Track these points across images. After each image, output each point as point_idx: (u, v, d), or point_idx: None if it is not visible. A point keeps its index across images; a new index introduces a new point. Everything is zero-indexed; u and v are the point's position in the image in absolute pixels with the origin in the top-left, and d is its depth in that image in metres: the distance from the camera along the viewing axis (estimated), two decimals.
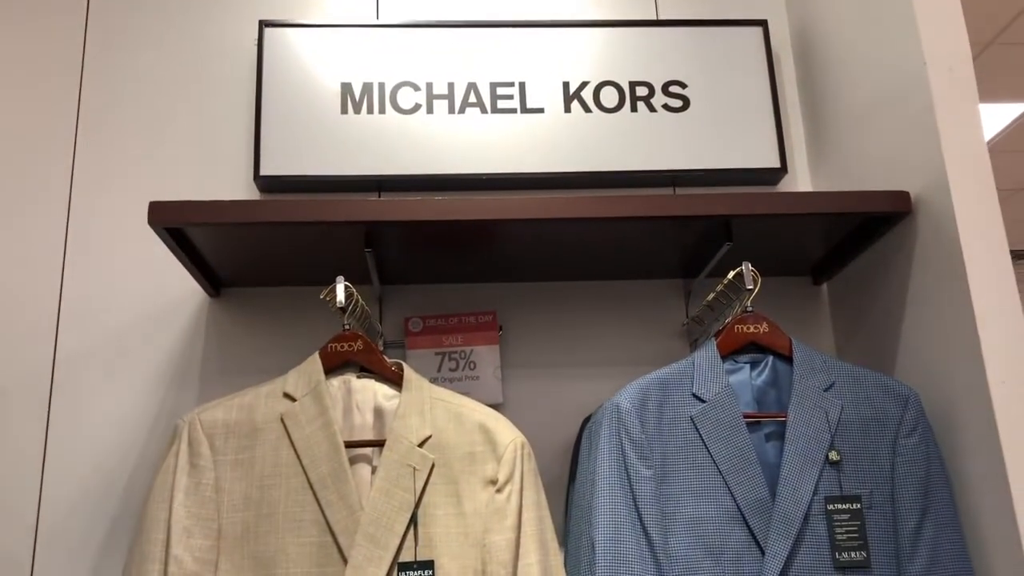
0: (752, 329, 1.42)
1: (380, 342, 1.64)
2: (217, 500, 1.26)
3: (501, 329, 1.72)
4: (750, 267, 1.42)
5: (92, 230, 1.72)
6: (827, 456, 1.31)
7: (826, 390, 1.36)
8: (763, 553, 1.26)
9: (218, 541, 1.24)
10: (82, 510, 1.57)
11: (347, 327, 1.39)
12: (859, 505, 1.29)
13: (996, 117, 3.97)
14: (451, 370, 1.68)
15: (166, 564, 1.20)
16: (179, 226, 1.37)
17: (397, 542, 1.22)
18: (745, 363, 1.41)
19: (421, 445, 1.28)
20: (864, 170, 1.64)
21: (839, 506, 1.29)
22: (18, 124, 1.77)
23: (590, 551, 1.27)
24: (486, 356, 1.69)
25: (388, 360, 1.39)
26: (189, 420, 1.30)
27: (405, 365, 1.37)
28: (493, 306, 1.74)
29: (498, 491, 1.25)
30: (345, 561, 1.21)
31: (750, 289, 1.42)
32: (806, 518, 1.28)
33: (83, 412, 1.62)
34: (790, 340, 1.41)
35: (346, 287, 1.39)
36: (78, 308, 1.68)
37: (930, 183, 1.42)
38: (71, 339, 1.66)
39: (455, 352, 1.69)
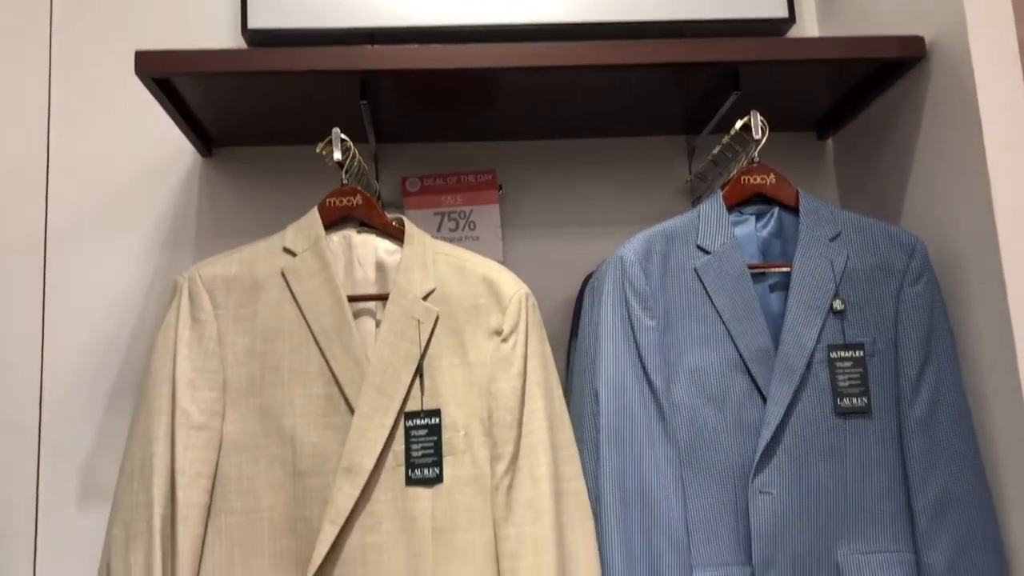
0: (759, 180, 1.39)
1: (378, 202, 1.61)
2: (221, 354, 1.25)
3: (501, 188, 1.69)
4: (758, 116, 1.38)
5: (76, 90, 1.66)
6: (831, 305, 1.31)
7: (832, 240, 1.35)
8: (765, 400, 1.27)
9: (224, 394, 1.24)
10: (85, 372, 1.57)
11: (345, 183, 1.36)
12: (862, 353, 1.30)
13: None
14: (451, 230, 1.66)
15: (173, 416, 1.21)
16: (166, 76, 1.32)
17: (404, 391, 1.23)
18: (751, 214, 1.39)
19: (425, 298, 1.27)
20: (874, 19, 1.58)
21: (842, 354, 1.30)
22: None
23: (593, 402, 1.28)
24: (486, 216, 1.66)
25: (389, 215, 1.36)
26: (189, 275, 1.28)
27: (406, 219, 1.35)
28: (493, 165, 1.70)
29: (503, 341, 1.25)
30: (352, 411, 1.21)
31: (757, 140, 1.39)
32: (808, 366, 1.29)
33: (79, 274, 1.60)
34: (797, 191, 1.38)
35: (343, 140, 1.35)
36: (67, 170, 1.64)
37: (946, 28, 1.37)
38: (62, 201, 1.63)
39: (454, 212, 1.66)
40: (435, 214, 1.66)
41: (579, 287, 1.61)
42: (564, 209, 1.70)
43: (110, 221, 1.63)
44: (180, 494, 1.18)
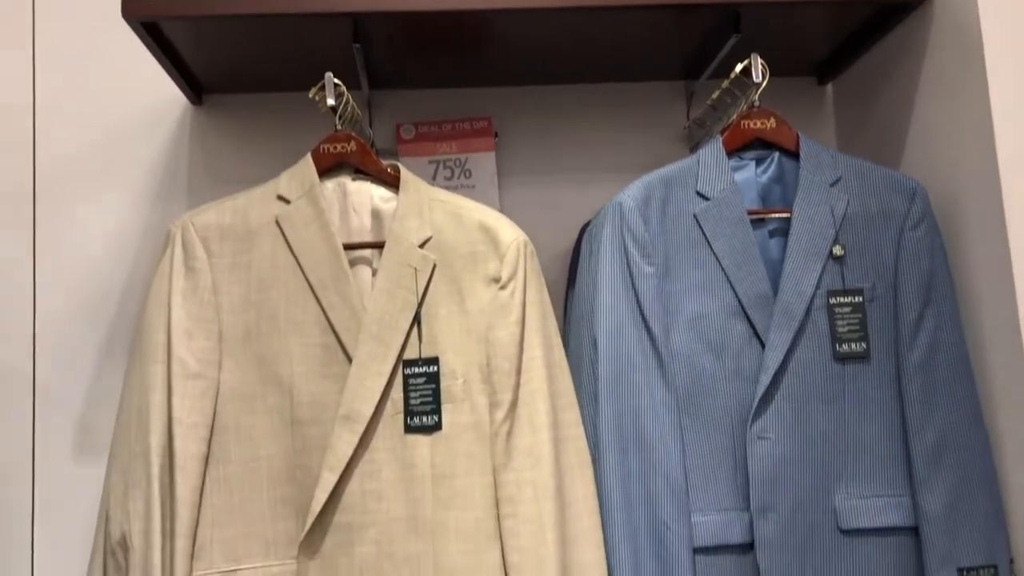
0: (759, 124, 1.37)
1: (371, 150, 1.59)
2: (216, 303, 1.24)
3: (497, 136, 1.66)
4: (759, 59, 1.36)
5: (62, 37, 1.62)
6: (831, 250, 1.30)
7: (832, 185, 1.33)
8: (764, 346, 1.27)
9: (220, 343, 1.23)
10: (79, 321, 1.56)
11: (339, 129, 1.34)
12: (861, 298, 1.29)
13: None
14: (446, 179, 1.64)
15: (169, 366, 1.20)
16: (154, 19, 1.28)
17: (401, 339, 1.22)
18: (751, 160, 1.38)
19: (422, 246, 1.26)
20: None
21: (841, 299, 1.29)
22: None
23: (592, 349, 1.28)
24: (482, 164, 1.64)
25: (384, 162, 1.34)
26: (182, 224, 1.27)
27: (401, 166, 1.33)
28: (488, 112, 1.68)
29: (501, 288, 1.24)
30: (349, 360, 1.21)
31: (758, 83, 1.36)
32: (808, 311, 1.28)
33: (69, 224, 1.58)
34: (797, 135, 1.37)
35: (336, 85, 1.32)
36: (54, 118, 1.61)
37: None
38: (49, 150, 1.60)
39: (450, 160, 1.64)
40: (430, 162, 1.64)
41: (576, 236, 1.59)
42: (561, 156, 1.68)
43: (101, 170, 1.60)
44: (178, 444, 1.17)
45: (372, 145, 1.60)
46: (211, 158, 1.62)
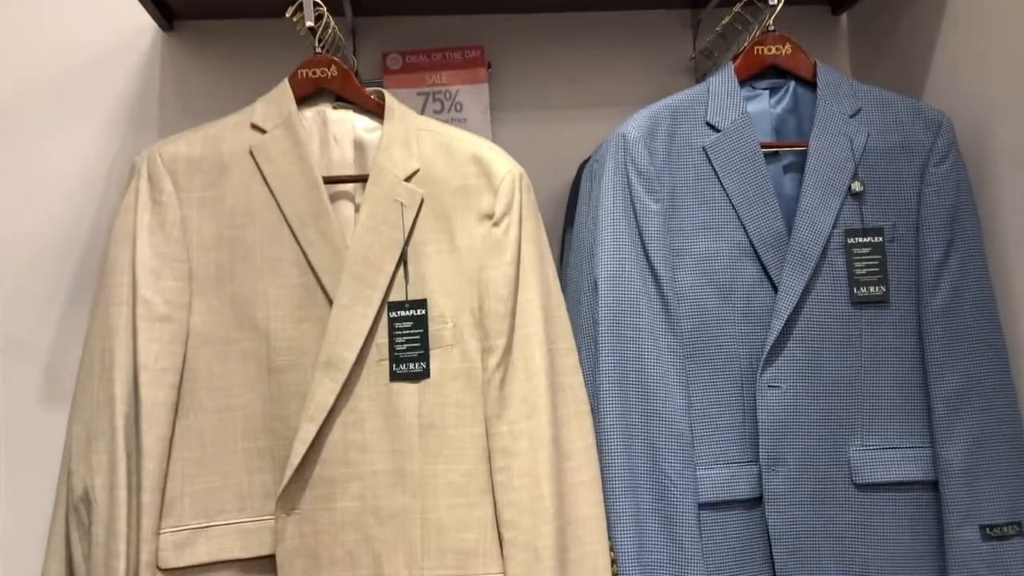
0: (774, 50, 1.27)
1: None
2: (185, 240, 1.15)
3: (490, 66, 1.57)
4: None
5: None
6: (849, 187, 1.22)
7: (852, 116, 1.24)
8: (776, 289, 1.19)
9: (190, 283, 1.14)
10: (43, 263, 1.47)
11: (319, 52, 1.23)
12: (881, 238, 1.21)
13: None
14: (436, 112, 1.54)
15: (134, 307, 1.11)
16: None
17: (386, 281, 1.13)
18: (764, 89, 1.29)
19: (408, 179, 1.16)
20: None
21: (859, 239, 1.21)
22: None
23: (592, 291, 1.20)
24: (474, 96, 1.54)
25: (368, 89, 1.24)
26: (148, 155, 1.17)
27: (387, 93, 1.22)
28: (481, 41, 1.58)
29: (495, 224, 1.14)
30: (330, 302, 1.12)
31: (773, 4, 1.26)
32: (823, 252, 1.20)
33: (31, 161, 1.48)
34: (814, 63, 1.27)
35: (316, 5, 1.21)
36: (14, 45, 1.49)
37: None
38: (9, 79, 1.48)
39: (439, 92, 1.54)
40: (418, 94, 1.54)
41: (575, 174, 1.50)
42: (558, 89, 1.59)
43: (66, 101, 1.50)
44: (143, 391, 1.09)
45: (356, 75, 1.49)
46: (183, 88, 1.52)
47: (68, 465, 1.10)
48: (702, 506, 1.15)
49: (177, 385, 1.12)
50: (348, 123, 1.22)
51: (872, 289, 1.20)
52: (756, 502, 1.18)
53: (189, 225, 1.15)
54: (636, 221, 1.19)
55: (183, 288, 1.14)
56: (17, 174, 1.47)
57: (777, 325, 1.18)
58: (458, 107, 1.54)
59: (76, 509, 1.09)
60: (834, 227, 1.21)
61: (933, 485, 1.18)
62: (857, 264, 1.20)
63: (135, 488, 1.08)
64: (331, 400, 1.10)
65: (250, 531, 1.12)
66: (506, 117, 1.57)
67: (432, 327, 1.13)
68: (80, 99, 1.50)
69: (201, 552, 1.10)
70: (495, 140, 1.54)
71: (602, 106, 1.58)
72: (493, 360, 1.12)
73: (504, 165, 1.16)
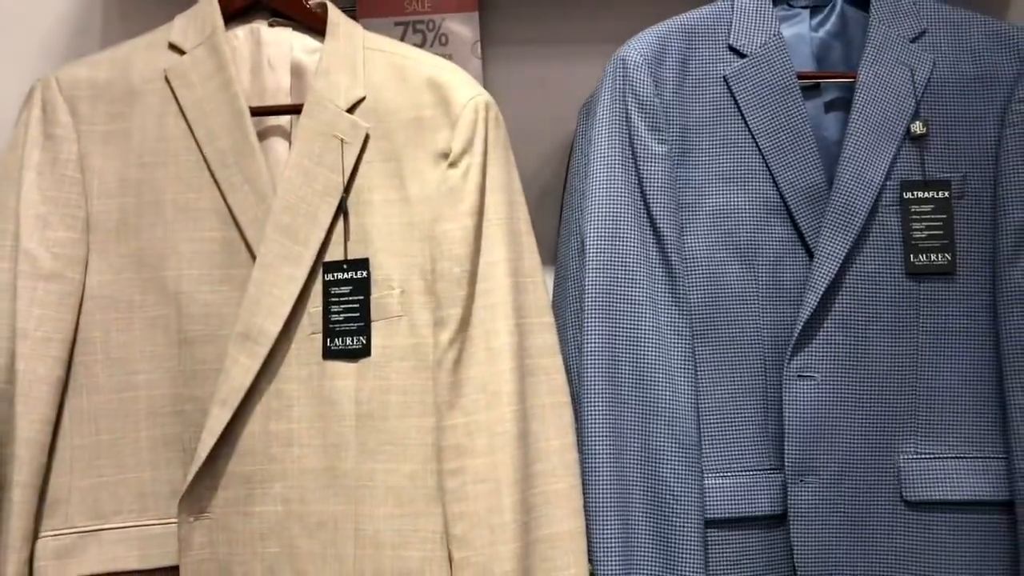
0: None
1: None
2: (82, 181, 0.99)
3: None
4: None
5: None
6: (908, 128, 1.04)
7: (913, 40, 1.06)
8: (811, 256, 1.02)
9: (86, 235, 0.99)
10: None
11: None
12: (947, 193, 1.03)
13: None
14: (416, 46, 1.36)
15: (16, 263, 0.96)
16: None
17: (321, 235, 0.96)
18: (803, 7, 1.11)
19: (351, 110, 0.99)
20: None
21: (920, 194, 1.03)
22: None
23: (578, 253, 1.03)
24: (461, 28, 1.38)
25: (310, 2, 1.04)
26: (44, 80, 1.01)
27: (331, 5, 1.03)
28: None
29: (451, 165, 0.96)
30: (255, 259, 0.95)
31: None
32: (873, 210, 1.03)
33: None
34: None
35: None
36: None
37: None
38: None
39: (421, 22, 1.39)
40: (396, 24, 1.38)
41: (577, 122, 1.31)
42: (559, 21, 1.41)
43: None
44: (21, 364, 0.93)
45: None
46: (130, 8, 1.36)
47: None
48: (710, 523, 1.00)
49: (66, 359, 0.96)
50: (286, 44, 1.05)
51: (934, 257, 1.03)
52: (779, 520, 1.01)
53: (90, 164, 0.99)
54: (635, 166, 1.02)
55: (77, 240, 0.97)
56: None
57: (812, 300, 1.00)
58: (442, 40, 1.38)
59: None
60: (887, 179, 1.03)
61: (1008, 507, 1.00)
62: (916, 226, 1.03)
63: (4, 483, 0.92)
64: (248, 381, 0.94)
65: (151, 537, 0.96)
66: (499, 53, 1.41)
67: (375, 293, 0.97)
68: (8, 22, 1.36)
69: (90, 561, 0.95)
70: (485, 80, 1.40)
71: (608, 43, 1.37)
72: (446, 336, 0.93)
73: (466, 91, 0.97)
